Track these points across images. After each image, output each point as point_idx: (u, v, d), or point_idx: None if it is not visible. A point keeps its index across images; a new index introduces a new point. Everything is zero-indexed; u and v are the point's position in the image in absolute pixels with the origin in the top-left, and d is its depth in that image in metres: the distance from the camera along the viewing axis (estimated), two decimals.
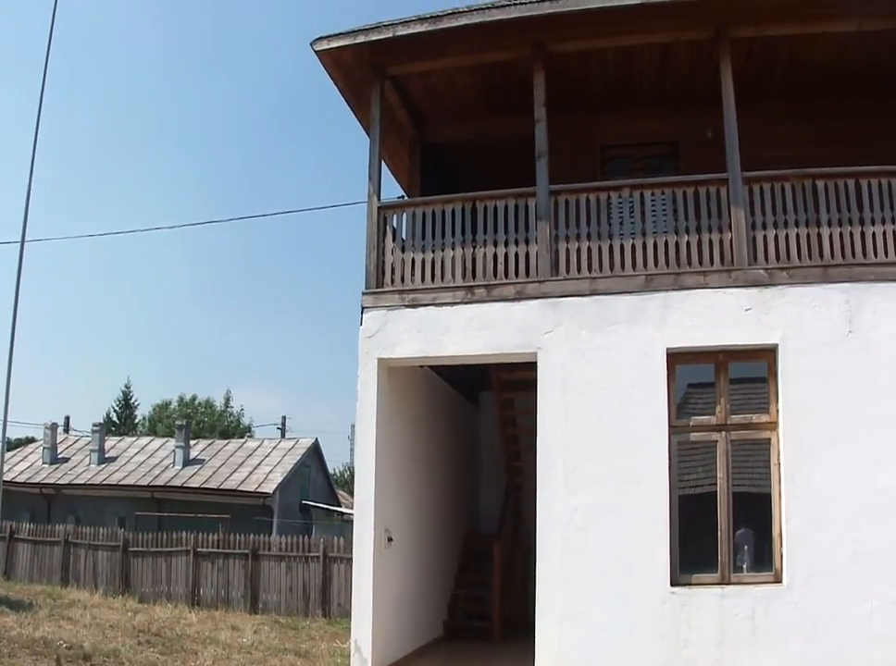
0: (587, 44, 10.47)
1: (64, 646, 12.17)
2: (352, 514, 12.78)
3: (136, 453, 35.53)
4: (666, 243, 9.82)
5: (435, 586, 13.02)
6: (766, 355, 9.34)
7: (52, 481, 33.49)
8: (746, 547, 9.28)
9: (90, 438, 36.50)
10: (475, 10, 10.15)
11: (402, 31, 10.31)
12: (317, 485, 37.67)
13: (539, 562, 9.41)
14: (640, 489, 9.20)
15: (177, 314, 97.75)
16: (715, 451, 9.35)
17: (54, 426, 36.78)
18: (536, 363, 9.83)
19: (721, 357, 9.48)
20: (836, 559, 8.63)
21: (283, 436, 45.28)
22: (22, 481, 33.43)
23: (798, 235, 9.52)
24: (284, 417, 51.46)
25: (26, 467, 35.02)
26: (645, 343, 9.52)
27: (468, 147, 13.06)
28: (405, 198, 12.79)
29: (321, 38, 10.48)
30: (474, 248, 10.37)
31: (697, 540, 9.33)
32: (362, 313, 10.49)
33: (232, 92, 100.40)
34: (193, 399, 62.96)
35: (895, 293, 9.12)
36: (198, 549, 22.31)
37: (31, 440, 42.48)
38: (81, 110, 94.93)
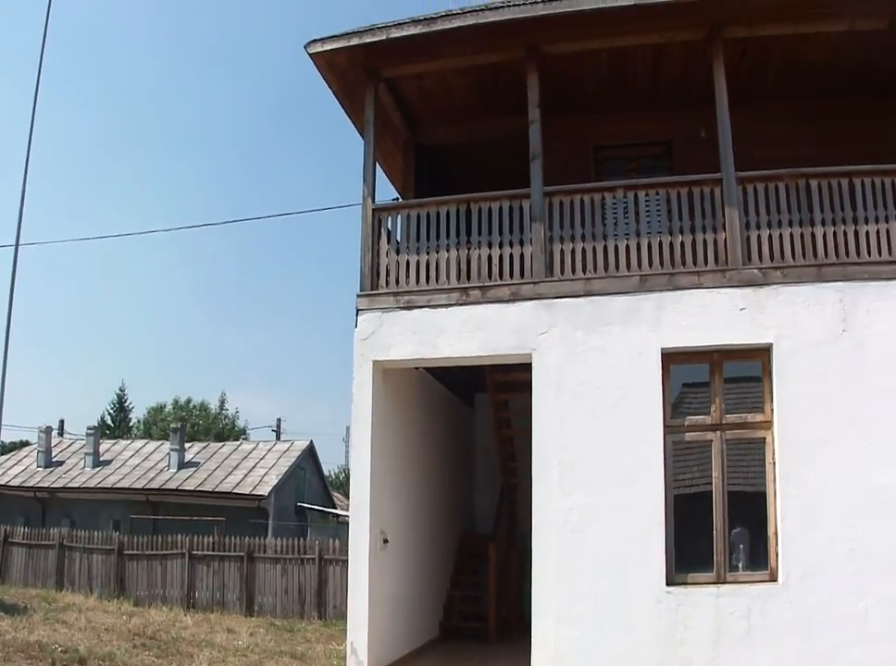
0: (580, 46, 10.49)
1: (59, 649, 12.15)
2: (347, 516, 12.78)
3: (131, 456, 35.47)
4: (661, 244, 9.84)
5: (431, 588, 13.02)
6: (761, 355, 9.36)
7: (46, 484, 33.41)
8: (741, 546, 9.31)
9: (84, 442, 36.41)
10: (468, 12, 10.15)
11: (395, 34, 10.33)
12: (312, 487, 37.64)
13: (534, 563, 9.42)
14: (636, 489, 9.21)
15: (172, 316, 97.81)
16: (710, 451, 9.37)
17: (48, 430, 36.69)
18: (531, 364, 9.84)
19: (716, 357, 9.50)
20: (831, 557, 8.65)
21: (278, 438, 45.18)
22: (16, 485, 33.42)
23: (792, 234, 9.55)
24: (279, 419, 51.38)
25: (20, 471, 34.95)
26: (640, 343, 9.54)
27: (462, 149, 13.08)
28: (400, 200, 12.80)
29: (315, 40, 10.49)
30: (468, 250, 10.37)
31: (692, 540, 9.34)
32: (357, 315, 10.49)
33: (231, 94, 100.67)
34: (188, 401, 62.83)
35: (889, 292, 9.14)
36: (193, 552, 22.29)
37: (25, 444, 42.37)
38: (80, 111, 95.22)
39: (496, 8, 10.08)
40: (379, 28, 10.40)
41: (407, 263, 10.56)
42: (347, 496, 17.31)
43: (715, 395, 9.47)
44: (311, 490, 37.26)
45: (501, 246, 10.25)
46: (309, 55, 10.59)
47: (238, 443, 39.60)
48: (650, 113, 12.02)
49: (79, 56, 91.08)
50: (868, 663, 8.39)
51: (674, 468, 9.41)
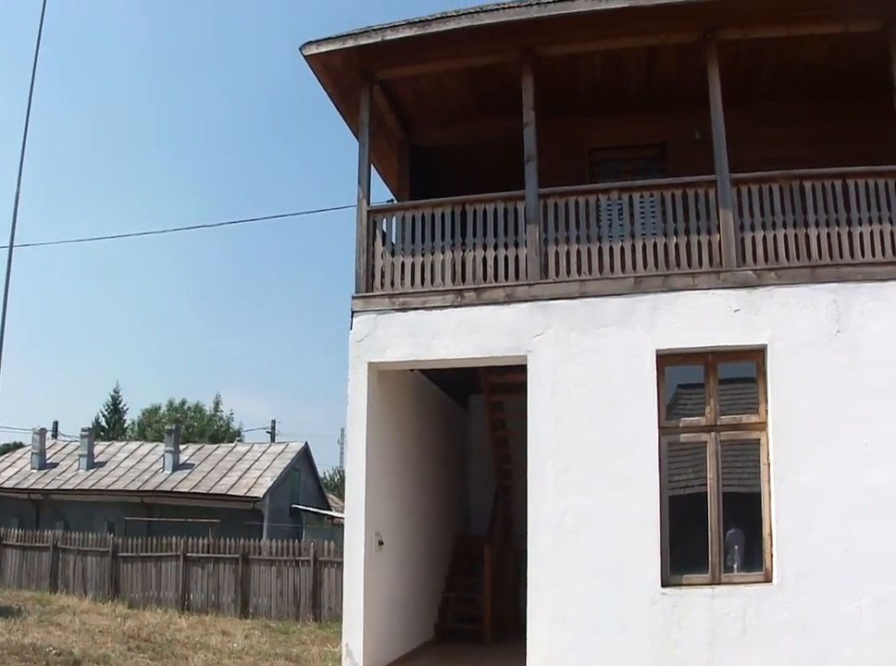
0: (574, 48, 10.50)
1: (53, 652, 12.15)
2: (342, 518, 12.76)
3: (125, 458, 35.43)
4: (655, 245, 9.86)
5: (426, 589, 13.02)
6: (755, 356, 9.38)
7: (40, 486, 33.36)
8: (736, 547, 9.31)
9: (79, 443, 36.37)
10: (463, 14, 10.16)
11: (390, 36, 10.34)
12: (307, 489, 37.63)
13: (530, 565, 9.42)
14: (631, 491, 9.22)
15: (167, 318, 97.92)
16: (704, 452, 9.38)
17: (42, 431, 36.62)
18: (526, 365, 9.85)
19: (710, 358, 9.52)
20: (825, 558, 8.67)
21: (273, 440, 45.15)
22: (10, 486, 33.36)
23: (786, 236, 9.57)
24: (274, 421, 51.26)
25: (14, 472, 34.89)
26: (635, 345, 9.55)
27: (457, 151, 13.08)
28: (395, 202, 12.81)
29: (310, 42, 10.49)
30: (463, 251, 10.38)
31: (687, 541, 9.35)
32: (352, 317, 10.49)
33: (226, 95, 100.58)
34: (183, 403, 62.80)
35: (882, 293, 9.17)
36: (188, 554, 22.25)
37: (19, 445, 42.36)
38: (75, 112, 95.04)
39: (491, 11, 10.09)
40: (374, 30, 10.41)
41: (402, 264, 10.56)
42: (342, 498, 17.31)
43: (710, 396, 9.48)
44: (306, 492, 37.25)
45: (496, 248, 10.25)
46: (304, 56, 10.59)
47: (233, 445, 39.58)
48: (644, 115, 12.04)
49: (73, 57, 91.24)
50: (863, 663, 8.41)
51: (669, 469, 9.42)
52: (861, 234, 9.43)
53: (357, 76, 10.96)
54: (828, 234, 9.50)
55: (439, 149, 13.15)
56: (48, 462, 35.72)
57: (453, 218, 10.47)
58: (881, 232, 9.40)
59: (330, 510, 38.03)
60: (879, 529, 8.60)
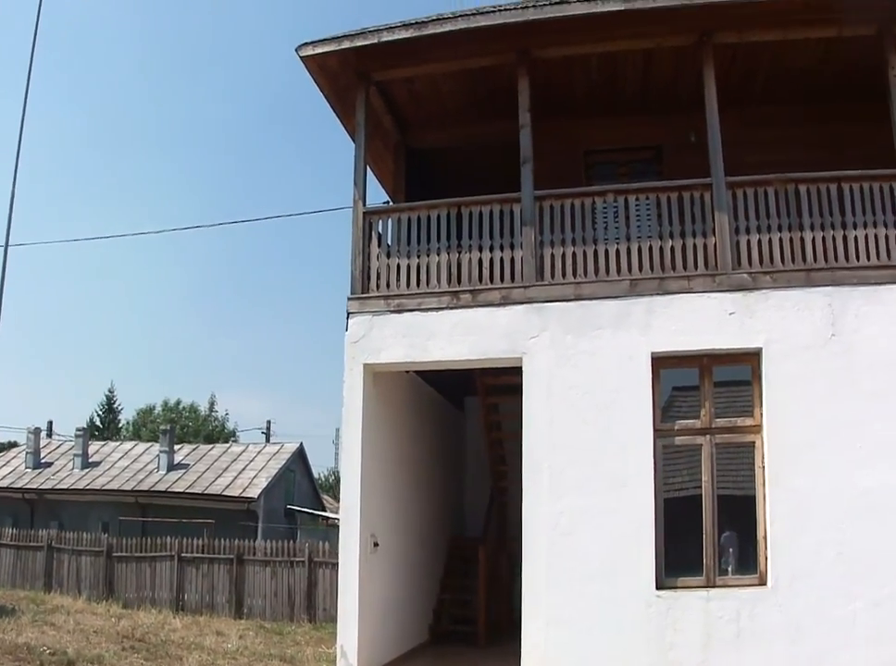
0: (571, 50, 10.51)
1: (47, 652, 12.14)
2: (337, 519, 12.78)
3: (120, 458, 35.35)
4: (651, 248, 9.87)
5: (421, 591, 13.02)
6: (750, 359, 9.40)
7: (35, 486, 33.25)
8: (731, 549, 9.34)
9: (73, 443, 36.27)
10: (459, 16, 10.16)
11: (387, 37, 10.34)
12: (301, 489, 37.57)
13: (524, 566, 9.43)
14: (626, 493, 9.23)
15: (162, 317, 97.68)
16: (699, 455, 9.40)
17: (37, 431, 36.53)
18: (521, 367, 9.86)
19: (705, 361, 9.53)
20: (820, 561, 8.69)
21: (268, 440, 45.13)
22: (5, 486, 33.23)
23: (781, 239, 9.59)
24: (269, 422, 51.23)
25: (8, 472, 34.79)
26: (630, 347, 9.56)
27: (453, 152, 13.09)
28: (391, 203, 12.80)
29: (306, 43, 10.49)
30: (459, 253, 10.38)
31: (682, 543, 9.37)
32: (347, 318, 10.49)
33: (224, 95, 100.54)
34: (178, 403, 62.67)
35: (877, 297, 9.19)
36: (182, 554, 22.23)
37: (13, 445, 42.25)
38: (73, 112, 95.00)
39: (487, 13, 10.09)
40: (370, 31, 10.41)
41: (398, 266, 10.56)
42: (337, 498, 17.33)
43: (705, 399, 9.50)
44: (301, 493, 37.20)
45: (491, 250, 10.26)
46: (300, 57, 10.59)
47: (227, 445, 39.54)
48: (640, 117, 12.05)
49: (73, 57, 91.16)
50: None
51: (664, 472, 9.44)
52: (856, 238, 9.45)
53: (354, 77, 10.96)
54: (824, 238, 9.52)
55: (435, 150, 13.15)
56: (43, 461, 35.63)
57: (448, 220, 10.47)
58: (876, 236, 9.42)
59: (325, 511, 37.98)
60: (874, 533, 8.62)
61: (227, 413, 65.62)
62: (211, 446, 38.45)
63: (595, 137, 12.38)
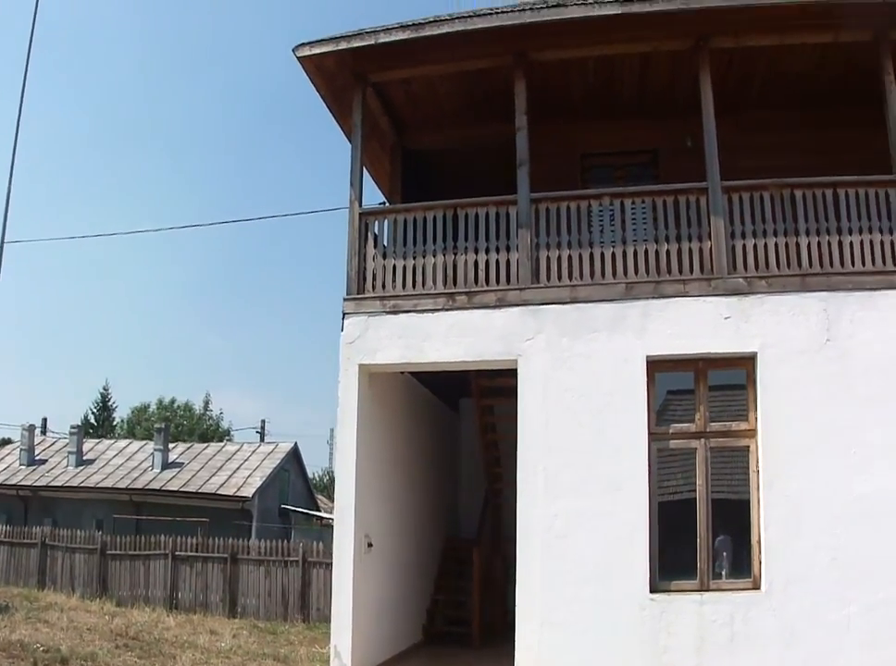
0: (568, 53, 10.52)
1: (41, 649, 12.09)
2: (331, 519, 12.77)
3: (114, 456, 35.31)
4: (646, 252, 9.88)
5: (415, 592, 13.03)
6: (745, 363, 9.42)
7: (29, 483, 33.20)
8: (725, 553, 9.35)
9: (67, 440, 36.25)
10: (456, 18, 10.17)
11: (384, 38, 10.34)
12: (296, 489, 37.58)
13: (519, 568, 9.43)
14: (620, 496, 9.24)
15: (157, 316, 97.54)
16: (694, 459, 9.41)
17: (31, 428, 36.49)
18: (516, 369, 9.87)
19: (700, 365, 9.54)
20: (814, 565, 8.71)
21: (263, 439, 45.10)
22: None
23: (776, 244, 9.61)
24: (263, 421, 51.18)
25: (2, 469, 34.75)
26: (625, 351, 9.58)
27: (449, 154, 13.09)
28: (387, 204, 12.81)
29: (304, 44, 10.49)
30: (455, 255, 10.39)
31: (676, 547, 9.40)
32: (343, 318, 10.50)
33: (222, 95, 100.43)
34: (173, 402, 62.60)
35: (872, 302, 9.21)
36: (177, 553, 22.22)
37: (7, 442, 42.18)
38: (71, 111, 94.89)
39: (484, 15, 10.10)
40: (367, 32, 10.41)
41: (394, 267, 10.57)
42: (331, 498, 17.32)
43: (700, 403, 9.52)
44: (295, 492, 37.21)
45: (487, 252, 10.27)
46: (297, 58, 10.59)
47: (222, 444, 39.51)
48: (636, 121, 12.05)
49: (72, 57, 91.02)
50: None
51: (658, 475, 9.45)
52: (851, 243, 9.48)
53: (350, 78, 10.96)
54: (819, 243, 9.54)
55: (431, 152, 13.15)
56: (37, 458, 35.58)
57: (444, 222, 10.48)
58: (871, 241, 9.45)
59: (319, 510, 37.98)
60: (868, 537, 8.65)
61: (221, 412, 65.56)
62: (206, 445, 38.44)
63: (592, 140, 12.38)
